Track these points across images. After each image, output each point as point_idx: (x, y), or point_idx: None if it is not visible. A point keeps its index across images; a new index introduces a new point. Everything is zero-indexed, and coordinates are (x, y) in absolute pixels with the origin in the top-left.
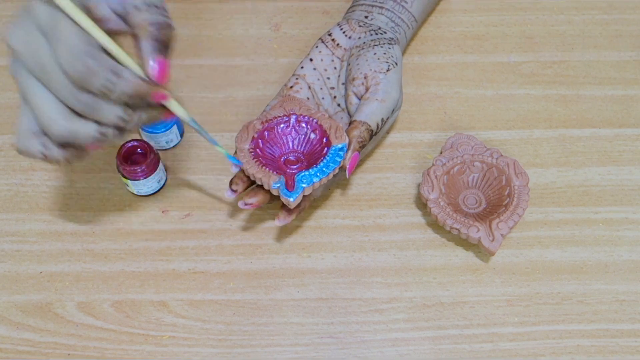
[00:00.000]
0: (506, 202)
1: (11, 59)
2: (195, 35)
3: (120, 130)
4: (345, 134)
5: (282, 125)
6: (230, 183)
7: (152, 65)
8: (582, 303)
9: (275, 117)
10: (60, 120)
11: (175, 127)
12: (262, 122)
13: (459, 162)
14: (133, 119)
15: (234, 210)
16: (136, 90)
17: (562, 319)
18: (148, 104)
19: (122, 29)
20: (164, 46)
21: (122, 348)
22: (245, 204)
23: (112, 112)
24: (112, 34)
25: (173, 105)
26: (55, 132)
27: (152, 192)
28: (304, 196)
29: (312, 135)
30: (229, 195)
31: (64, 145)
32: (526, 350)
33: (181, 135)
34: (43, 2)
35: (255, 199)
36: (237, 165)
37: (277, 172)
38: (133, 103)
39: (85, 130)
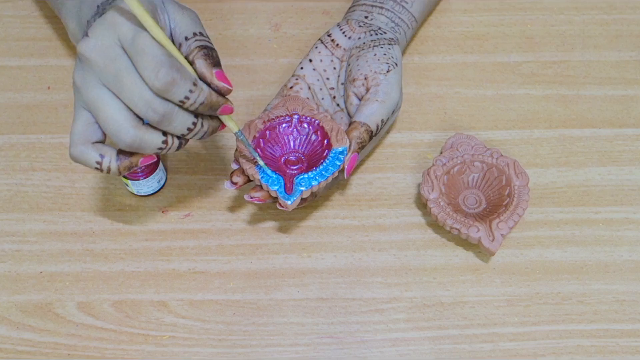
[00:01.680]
0: (506, 202)
1: (78, 68)
2: None
3: (181, 140)
4: (346, 137)
5: (284, 125)
6: (231, 175)
7: (216, 75)
8: (582, 303)
9: (278, 117)
10: (130, 128)
11: None
12: (264, 122)
13: (459, 162)
14: (199, 128)
15: (234, 210)
16: (210, 100)
17: (562, 319)
18: (211, 116)
19: None
20: (217, 62)
21: (122, 348)
22: (251, 198)
23: (183, 122)
24: None
25: (227, 118)
26: (124, 139)
27: (152, 192)
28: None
29: (314, 137)
30: (228, 187)
31: (121, 154)
32: (526, 350)
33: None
34: (125, 18)
35: (260, 194)
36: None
37: (277, 173)
38: (201, 113)
39: (151, 138)
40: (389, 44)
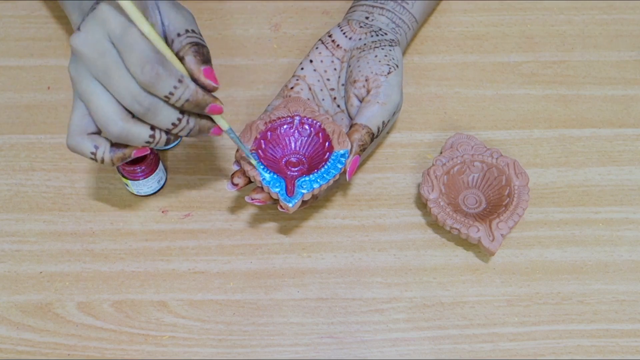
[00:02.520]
0: (506, 202)
1: (72, 61)
2: None
3: (169, 135)
4: (347, 139)
5: (285, 127)
6: (232, 176)
7: (204, 72)
8: (582, 303)
9: (279, 118)
10: (118, 120)
11: None
12: (266, 123)
13: (459, 162)
14: (184, 125)
15: (234, 210)
16: (195, 97)
17: (562, 319)
18: (199, 114)
19: None
20: (207, 60)
21: (122, 348)
22: (252, 199)
23: (168, 117)
24: None
25: (218, 116)
26: (112, 131)
27: (152, 192)
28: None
29: (315, 138)
30: (229, 188)
31: (115, 146)
32: (526, 350)
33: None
34: (115, 13)
35: (261, 195)
36: (263, 184)
37: (278, 174)
38: (187, 110)
39: (139, 131)
40: (389, 45)
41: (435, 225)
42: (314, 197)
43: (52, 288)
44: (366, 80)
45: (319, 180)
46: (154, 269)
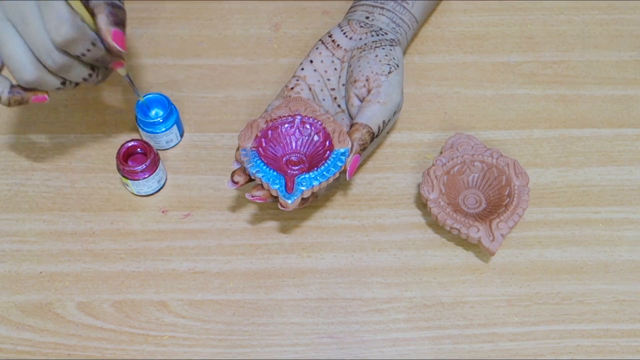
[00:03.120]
0: (506, 202)
1: None
2: (195, 35)
3: (78, 84)
4: (348, 138)
5: (286, 126)
6: (233, 174)
7: (112, 34)
8: (582, 303)
9: (280, 117)
10: (32, 69)
11: (175, 127)
12: (267, 121)
13: (459, 162)
14: (94, 79)
15: (234, 210)
16: (104, 57)
17: (562, 319)
18: (106, 67)
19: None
20: (120, 22)
21: (122, 348)
22: (252, 196)
23: (79, 73)
24: None
25: (121, 70)
26: (25, 78)
27: (152, 192)
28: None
29: (316, 138)
30: (229, 186)
31: (15, 87)
32: (526, 350)
33: (181, 135)
34: None
35: (261, 192)
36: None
37: (278, 172)
38: (97, 64)
39: (51, 80)
40: (390, 45)
41: (435, 225)
42: (315, 196)
43: (52, 288)
44: (367, 79)
45: (318, 177)
46: (154, 269)
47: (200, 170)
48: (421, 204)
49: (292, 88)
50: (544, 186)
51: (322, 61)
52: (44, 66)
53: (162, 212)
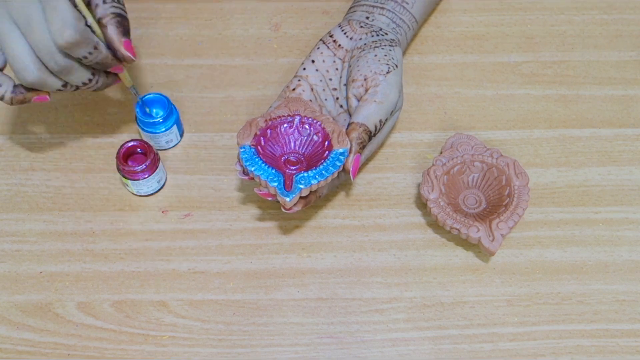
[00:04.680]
0: (506, 202)
1: None
2: (195, 35)
3: (78, 88)
4: (347, 139)
5: (285, 125)
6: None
7: (124, 44)
8: (582, 303)
9: (279, 117)
10: (35, 70)
11: (175, 127)
12: (266, 120)
13: (459, 162)
14: (94, 83)
15: (234, 210)
16: (106, 61)
17: (562, 319)
18: (106, 72)
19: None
20: (127, 31)
21: (122, 348)
22: (260, 191)
23: (80, 76)
24: None
25: (123, 75)
26: (27, 79)
27: (152, 192)
28: (311, 192)
29: (315, 138)
30: (240, 175)
31: (17, 87)
32: (526, 350)
33: (181, 135)
34: None
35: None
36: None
37: (276, 170)
38: (97, 68)
39: (53, 82)
40: (390, 45)
41: (435, 225)
42: (317, 197)
43: (52, 288)
44: (365, 79)
45: (317, 176)
46: (154, 269)
47: (200, 170)
48: (421, 204)
49: (294, 89)
50: (544, 186)
51: (323, 61)
52: (46, 68)
53: (162, 212)
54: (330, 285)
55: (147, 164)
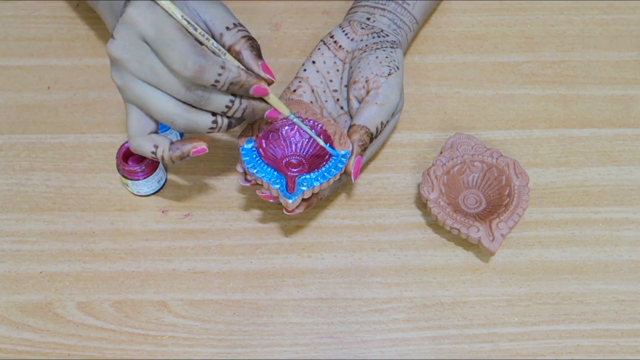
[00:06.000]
0: (506, 202)
1: (114, 69)
2: None
3: (230, 119)
4: (349, 141)
5: (286, 128)
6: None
7: (262, 67)
8: (582, 303)
9: (281, 119)
10: (181, 112)
11: None
12: (267, 123)
13: (459, 162)
14: (237, 106)
15: (234, 210)
16: (238, 79)
17: (562, 319)
18: (250, 96)
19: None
20: (259, 52)
21: (122, 348)
22: (262, 193)
23: (220, 101)
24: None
25: (272, 99)
26: (178, 124)
27: (152, 192)
28: (313, 193)
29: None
30: (242, 183)
31: (174, 145)
32: (526, 350)
33: (181, 136)
34: (144, 14)
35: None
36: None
37: (279, 172)
38: (237, 92)
39: (202, 119)
40: (391, 47)
41: (435, 225)
42: (319, 199)
43: (52, 288)
44: (366, 81)
45: (319, 178)
46: (154, 269)
47: (200, 170)
48: (421, 204)
49: (294, 90)
50: (544, 186)
51: (324, 62)
52: (191, 106)
53: (162, 212)
54: (330, 285)
55: (147, 163)
